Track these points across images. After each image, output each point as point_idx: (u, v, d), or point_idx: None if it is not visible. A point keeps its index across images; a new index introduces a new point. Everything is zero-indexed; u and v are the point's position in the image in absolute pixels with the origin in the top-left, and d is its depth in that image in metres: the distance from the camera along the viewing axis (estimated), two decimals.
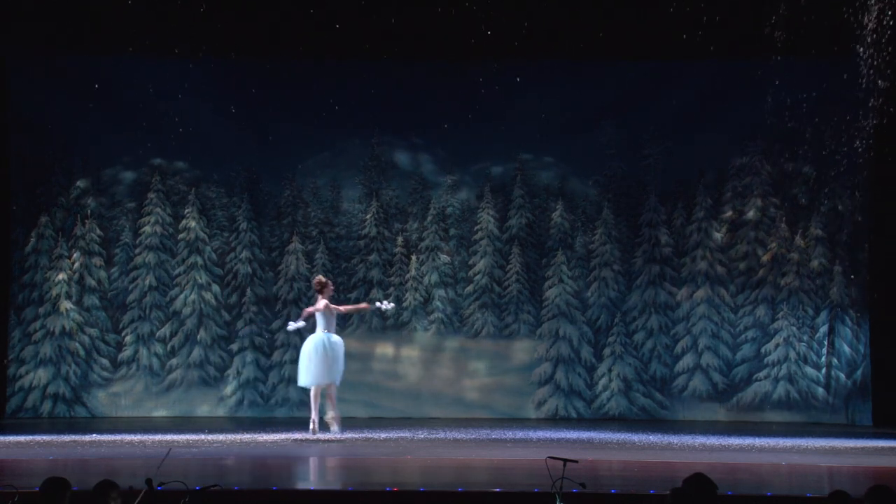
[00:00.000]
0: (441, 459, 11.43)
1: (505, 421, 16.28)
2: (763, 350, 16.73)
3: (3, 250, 16.91)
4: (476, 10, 14.88)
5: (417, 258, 17.21)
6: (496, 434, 14.06)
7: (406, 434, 13.76)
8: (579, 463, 7.34)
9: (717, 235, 17.05)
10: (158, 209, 17.14)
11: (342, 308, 13.52)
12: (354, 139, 17.32)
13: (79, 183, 17.05)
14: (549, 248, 17.21)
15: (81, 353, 16.81)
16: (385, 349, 17.15)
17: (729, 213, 17.04)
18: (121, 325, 17.03)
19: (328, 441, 12.98)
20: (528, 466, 10.40)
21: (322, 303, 13.08)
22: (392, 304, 13.96)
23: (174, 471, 7.80)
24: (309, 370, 13.08)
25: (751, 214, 16.96)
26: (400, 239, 17.26)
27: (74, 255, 16.93)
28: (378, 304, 13.74)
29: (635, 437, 13.60)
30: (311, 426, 13.03)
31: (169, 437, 13.21)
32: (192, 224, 17.14)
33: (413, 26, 15.64)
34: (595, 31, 15.72)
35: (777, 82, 15.94)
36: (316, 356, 13.01)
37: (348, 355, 16.48)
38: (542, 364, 16.98)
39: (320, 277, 13.55)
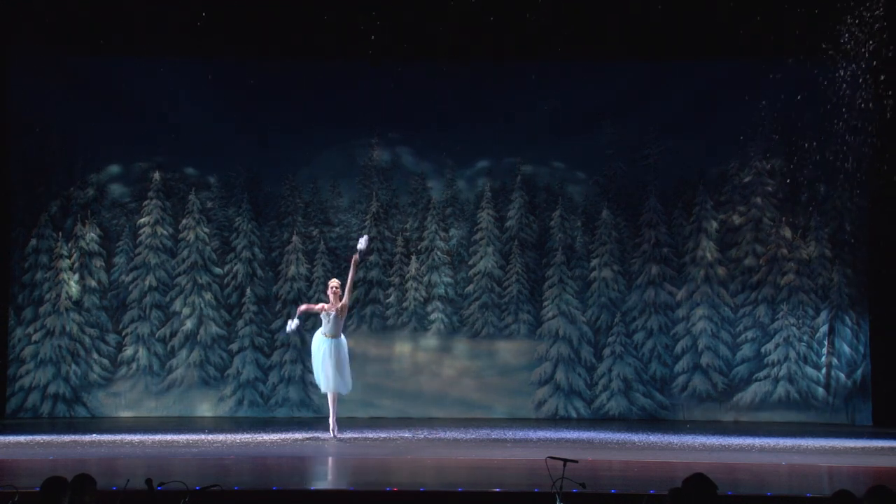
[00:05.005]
0: (441, 459, 11.43)
1: (505, 421, 16.28)
2: (763, 350, 16.72)
3: (3, 250, 16.91)
4: (476, 10, 14.89)
5: (417, 258, 17.20)
6: (496, 434, 14.06)
7: (406, 434, 13.76)
8: (579, 463, 7.35)
9: (717, 235, 17.04)
10: (158, 209, 17.13)
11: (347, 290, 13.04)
12: (354, 139, 17.33)
13: (79, 183, 17.05)
14: (549, 248, 17.21)
15: (81, 353, 16.81)
16: (385, 349, 17.13)
17: (728, 213, 17.04)
18: (121, 325, 17.03)
19: (327, 441, 12.99)
20: (528, 466, 10.40)
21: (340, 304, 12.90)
22: (363, 240, 13.06)
23: (174, 471, 7.81)
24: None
25: (750, 214, 16.96)
26: (400, 239, 17.26)
27: (74, 255, 16.93)
28: (359, 246, 13.07)
29: (635, 437, 13.61)
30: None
31: (169, 437, 13.22)
32: (193, 224, 17.14)
33: (413, 26, 15.66)
34: (595, 30, 15.73)
35: (776, 82, 15.96)
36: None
37: (349, 355, 16.51)
38: (542, 364, 16.97)
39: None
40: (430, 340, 17.14)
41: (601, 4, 15.49)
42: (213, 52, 16.34)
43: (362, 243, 12.99)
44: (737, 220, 17.02)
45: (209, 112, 16.88)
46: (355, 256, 12.98)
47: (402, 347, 17.17)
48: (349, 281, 12.94)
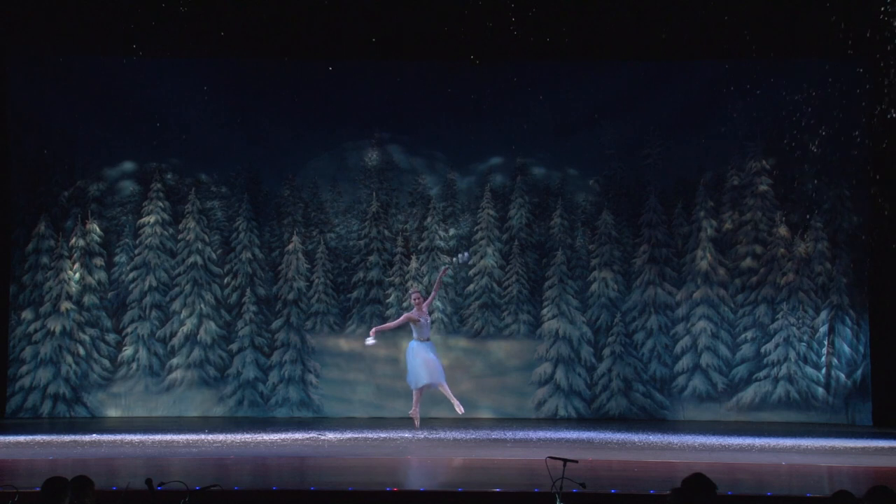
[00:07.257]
0: (441, 459, 11.44)
1: (505, 421, 16.28)
2: (763, 350, 16.72)
3: (3, 250, 16.91)
4: (475, 10, 14.88)
5: (417, 258, 17.20)
6: (496, 434, 14.07)
7: (406, 434, 13.77)
8: (579, 463, 7.35)
9: (717, 235, 17.04)
10: (159, 209, 17.13)
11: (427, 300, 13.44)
12: (354, 139, 17.34)
13: (79, 183, 17.05)
14: (549, 248, 17.20)
15: (81, 353, 16.80)
16: (385, 349, 17.10)
17: (728, 213, 17.04)
18: (121, 325, 17.03)
19: (327, 441, 13.00)
20: (528, 466, 10.41)
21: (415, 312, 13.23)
22: (466, 255, 13.95)
23: (174, 471, 7.81)
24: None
25: (750, 214, 16.96)
26: (400, 239, 17.26)
27: (74, 255, 16.93)
28: (456, 259, 13.69)
29: (635, 437, 13.61)
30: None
31: (169, 437, 13.22)
32: (192, 224, 17.14)
33: (413, 26, 15.66)
34: (595, 30, 15.73)
35: (776, 82, 15.96)
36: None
37: (349, 355, 16.57)
38: (542, 364, 16.97)
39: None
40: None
41: (601, 4, 15.48)
42: (213, 52, 16.34)
43: (462, 258, 13.42)
44: (736, 219, 17.02)
45: (209, 112, 16.90)
46: (446, 269, 13.57)
47: (403, 348, 17.12)
48: (435, 289, 13.40)
